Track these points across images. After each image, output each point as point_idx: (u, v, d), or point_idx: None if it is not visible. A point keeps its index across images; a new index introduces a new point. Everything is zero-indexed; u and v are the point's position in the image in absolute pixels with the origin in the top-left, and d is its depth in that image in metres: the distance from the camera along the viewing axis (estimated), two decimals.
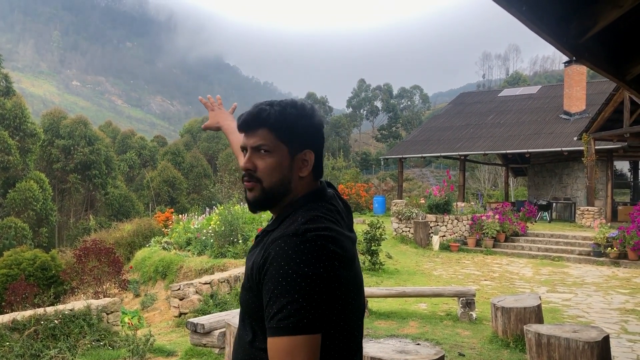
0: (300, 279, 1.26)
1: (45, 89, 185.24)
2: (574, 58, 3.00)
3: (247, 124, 1.46)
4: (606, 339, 4.53)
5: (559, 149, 21.16)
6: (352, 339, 1.42)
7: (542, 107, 25.95)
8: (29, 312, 6.20)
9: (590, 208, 18.84)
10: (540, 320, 6.01)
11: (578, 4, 2.82)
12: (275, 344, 1.26)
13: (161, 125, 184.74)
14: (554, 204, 22.43)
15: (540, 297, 6.51)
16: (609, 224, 16.73)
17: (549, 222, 20.90)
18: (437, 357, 3.77)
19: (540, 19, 2.59)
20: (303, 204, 1.43)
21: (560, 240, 15.86)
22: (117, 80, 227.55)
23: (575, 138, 19.95)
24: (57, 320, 6.09)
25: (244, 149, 1.48)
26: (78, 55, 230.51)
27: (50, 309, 6.31)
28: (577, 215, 19.74)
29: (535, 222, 19.83)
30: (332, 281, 1.31)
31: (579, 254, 14.54)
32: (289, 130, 1.44)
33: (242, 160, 1.51)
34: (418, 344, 4.33)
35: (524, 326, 4.98)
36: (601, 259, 13.85)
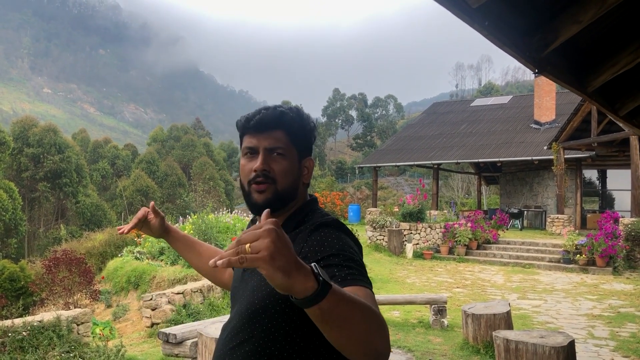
0: (356, 255, 1.35)
1: (15, 96, 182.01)
2: (537, 70, 3.10)
3: (265, 125, 1.43)
4: (571, 344, 4.63)
5: (530, 157, 21.55)
6: None
7: (513, 117, 26.42)
8: None
9: (560, 216, 19.18)
10: (509, 326, 6.12)
11: (540, 19, 2.92)
12: (362, 290, 1.22)
13: (134, 133, 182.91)
14: (525, 212, 22.80)
15: (509, 303, 6.63)
16: (577, 232, 17.06)
17: (521, 229, 21.22)
18: None
19: (503, 33, 2.67)
20: (313, 208, 1.48)
21: (531, 247, 16.12)
22: (90, 88, 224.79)
23: (545, 147, 20.34)
24: (25, 332, 5.99)
25: (252, 149, 1.44)
26: (49, 62, 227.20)
27: (18, 321, 6.21)
28: (547, 223, 20.09)
29: (507, 229, 20.13)
30: None
31: (549, 261, 14.80)
32: (302, 136, 1.47)
33: (250, 165, 1.44)
34: (390, 352, 4.38)
35: (493, 332, 5.07)
36: (570, 265, 14.12)
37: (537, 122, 24.35)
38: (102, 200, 44.73)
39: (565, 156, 19.12)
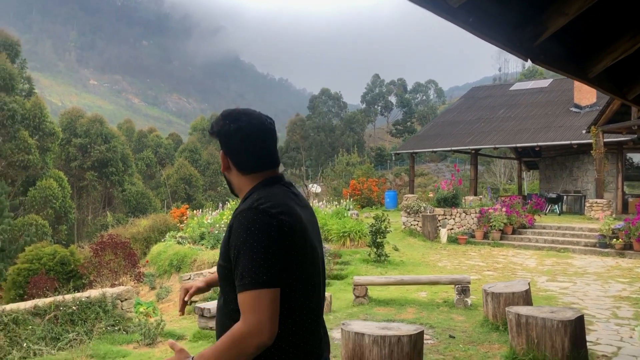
0: (256, 243, 1.61)
1: (64, 88, 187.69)
2: (529, 60, 3.32)
3: (210, 134, 1.95)
4: (580, 319, 4.84)
5: (569, 142, 21.27)
6: (310, 296, 1.76)
7: (552, 101, 26.02)
8: (49, 299, 6.67)
9: (599, 200, 18.94)
10: (528, 304, 6.31)
11: (528, 12, 3.14)
12: (243, 298, 1.61)
13: (177, 123, 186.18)
14: (565, 197, 22.54)
15: (529, 283, 6.82)
16: (613, 216, 16.87)
17: (559, 214, 21.03)
18: (416, 332, 4.13)
19: (490, 27, 2.91)
20: (258, 188, 1.80)
21: (567, 232, 16.04)
22: (134, 79, 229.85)
23: (584, 131, 20.04)
24: (74, 306, 6.55)
25: None
26: (95, 54, 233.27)
27: (68, 296, 6.77)
28: (586, 207, 19.86)
29: (545, 214, 20.02)
30: (283, 243, 1.64)
31: (584, 246, 14.74)
32: (218, 137, 1.88)
33: None
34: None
35: (506, 308, 5.31)
36: (606, 250, 14.03)
37: (577, 106, 23.95)
38: (147, 189, 46.09)
39: (606, 140, 18.79)
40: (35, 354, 6.09)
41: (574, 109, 23.94)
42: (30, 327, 6.10)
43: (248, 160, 1.84)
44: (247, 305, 1.59)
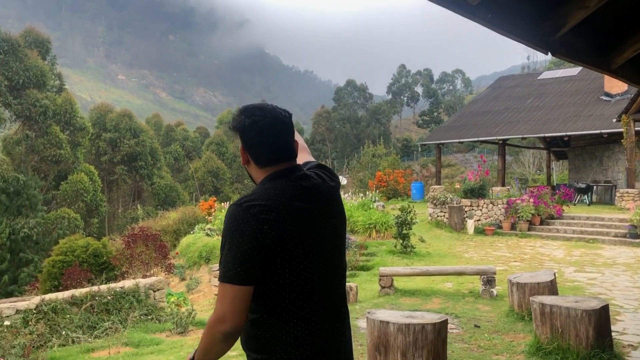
0: (231, 239, 1.67)
1: (93, 84, 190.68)
2: (549, 53, 3.37)
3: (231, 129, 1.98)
4: (605, 308, 4.87)
5: (599, 131, 20.94)
6: (301, 291, 1.74)
7: (582, 89, 25.61)
8: (85, 289, 6.93)
9: (630, 190, 18.67)
10: (554, 294, 6.34)
11: (548, 6, 3.19)
12: (218, 288, 1.73)
13: (204, 116, 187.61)
14: (595, 187, 22.23)
15: (555, 273, 6.83)
16: None
17: (589, 205, 20.76)
18: (440, 320, 4.22)
19: (509, 23, 2.98)
20: (263, 183, 1.84)
21: (596, 222, 15.87)
22: (161, 74, 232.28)
23: (614, 120, 19.73)
24: (109, 296, 6.80)
25: None
26: (123, 49, 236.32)
27: (103, 287, 7.03)
28: (616, 197, 19.58)
29: (575, 205, 19.79)
30: (260, 242, 1.66)
31: (614, 236, 14.57)
32: (240, 133, 1.88)
33: None
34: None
35: (530, 297, 5.36)
36: (637, 240, 13.86)
37: (607, 94, 23.54)
38: (176, 182, 46.72)
39: (637, 128, 18.51)
40: (73, 342, 6.38)
41: (604, 98, 23.54)
42: (68, 315, 6.37)
43: (263, 153, 1.86)
44: (218, 296, 1.70)
